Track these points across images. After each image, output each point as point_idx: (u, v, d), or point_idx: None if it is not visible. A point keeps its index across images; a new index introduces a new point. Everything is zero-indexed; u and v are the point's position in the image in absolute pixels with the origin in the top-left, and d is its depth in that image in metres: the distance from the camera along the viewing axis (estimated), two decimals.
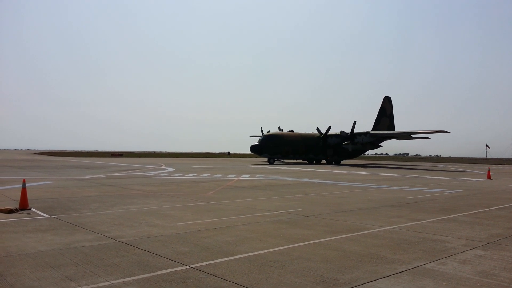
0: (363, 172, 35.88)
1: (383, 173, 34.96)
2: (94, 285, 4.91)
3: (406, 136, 59.54)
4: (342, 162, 61.53)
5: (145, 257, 6.27)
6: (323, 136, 58.27)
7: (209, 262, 6.00)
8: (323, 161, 62.31)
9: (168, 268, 5.67)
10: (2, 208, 10.39)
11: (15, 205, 11.00)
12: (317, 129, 59.31)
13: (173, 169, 34.25)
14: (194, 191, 16.72)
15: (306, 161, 62.02)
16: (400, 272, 5.66)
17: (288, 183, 21.85)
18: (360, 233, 8.44)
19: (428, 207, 12.86)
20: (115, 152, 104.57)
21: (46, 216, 9.93)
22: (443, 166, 58.95)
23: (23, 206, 10.79)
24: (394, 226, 9.28)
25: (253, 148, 54.98)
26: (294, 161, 63.43)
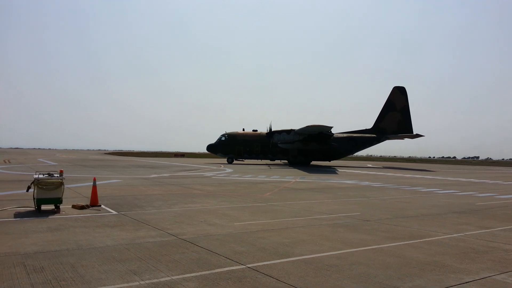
0: (428, 176, 34.21)
1: (450, 177, 33.10)
2: (156, 280, 5.14)
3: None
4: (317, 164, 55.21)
5: (204, 254, 6.46)
6: (266, 134, 53.27)
7: (265, 263, 6.05)
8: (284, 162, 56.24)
9: (225, 267, 5.79)
10: (75, 204, 11.20)
11: (87, 201, 11.81)
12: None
13: (231, 170, 34.88)
14: (251, 192, 16.92)
15: (268, 161, 57.55)
16: (466, 283, 5.34)
17: (347, 185, 21.39)
18: (423, 240, 8.07)
19: (499, 214, 11.99)
20: (177, 152, 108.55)
21: (114, 212, 10.56)
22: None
23: (94, 203, 11.55)
24: (461, 234, 8.76)
25: (208, 147, 55.17)
26: (256, 161, 58.85)
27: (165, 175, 26.44)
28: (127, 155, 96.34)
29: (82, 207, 10.94)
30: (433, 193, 18.37)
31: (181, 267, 5.75)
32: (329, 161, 56.33)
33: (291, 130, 50.77)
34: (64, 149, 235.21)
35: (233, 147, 53.80)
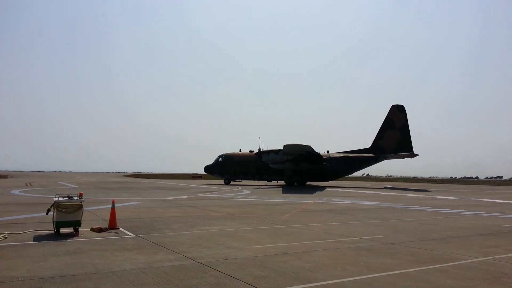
0: (451, 197, 33.32)
1: (474, 198, 32.14)
2: None
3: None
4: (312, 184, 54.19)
5: (222, 279, 6.29)
6: (255, 154, 52.81)
7: None
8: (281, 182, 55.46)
9: None
10: (94, 227, 11.18)
11: (105, 224, 11.79)
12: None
13: (249, 192, 34.67)
14: (270, 213, 16.68)
15: (265, 182, 57.21)
16: None
17: (368, 207, 20.93)
18: (450, 264, 7.72)
19: None
20: (195, 174, 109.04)
21: (132, 235, 10.49)
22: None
23: (112, 225, 11.52)
24: (490, 257, 8.37)
25: (206, 168, 55.69)
26: (253, 182, 58.11)
27: (183, 197, 26.42)
28: (145, 177, 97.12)
29: (100, 230, 10.91)
30: (458, 215, 17.78)
31: None
32: (327, 181, 55.45)
33: (280, 150, 50.05)
34: (85, 172, 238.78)
35: (229, 168, 53.88)
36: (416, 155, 53.17)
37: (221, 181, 57.02)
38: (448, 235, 11.46)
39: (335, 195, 32.12)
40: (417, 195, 34.29)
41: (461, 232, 12.25)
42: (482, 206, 23.02)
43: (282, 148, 48.73)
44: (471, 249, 9.36)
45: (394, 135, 53.88)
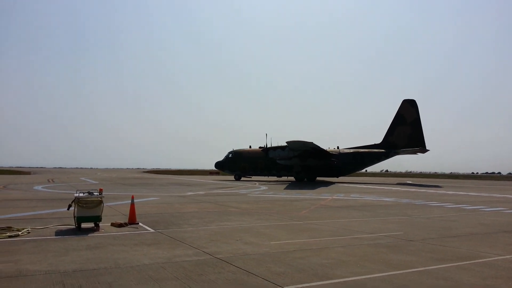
0: (473, 193, 32.64)
1: (496, 193, 31.39)
2: None
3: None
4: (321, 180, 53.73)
5: (240, 275, 6.29)
6: (262, 150, 52.99)
7: (304, 285, 5.80)
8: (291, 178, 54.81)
9: None
10: (114, 222, 11.35)
11: (125, 219, 11.95)
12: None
13: (266, 188, 34.67)
14: (287, 209, 16.63)
15: (275, 178, 57.06)
16: None
17: (386, 203, 20.67)
18: (473, 261, 7.54)
19: None
20: (212, 170, 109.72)
21: (151, 230, 10.61)
22: None
23: (132, 220, 11.68)
24: None
25: (216, 164, 56.39)
26: (263, 178, 58.00)
27: (200, 192, 26.60)
28: (164, 173, 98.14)
29: (120, 225, 11.07)
30: (480, 211, 17.39)
31: (217, 287, 5.60)
32: (337, 177, 55.16)
33: (286, 146, 49.52)
34: (105, 168, 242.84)
35: (238, 164, 54.42)
36: (427, 150, 52.40)
37: (229, 177, 57.47)
38: (470, 232, 11.21)
39: (352, 191, 31.84)
40: (437, 191, 33.70)
41: (484, 229, 11.97)
42: (505, 202, 22.45)
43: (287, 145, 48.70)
44: (495, 246, 9.13)
45: (405, 130, 53.15)
